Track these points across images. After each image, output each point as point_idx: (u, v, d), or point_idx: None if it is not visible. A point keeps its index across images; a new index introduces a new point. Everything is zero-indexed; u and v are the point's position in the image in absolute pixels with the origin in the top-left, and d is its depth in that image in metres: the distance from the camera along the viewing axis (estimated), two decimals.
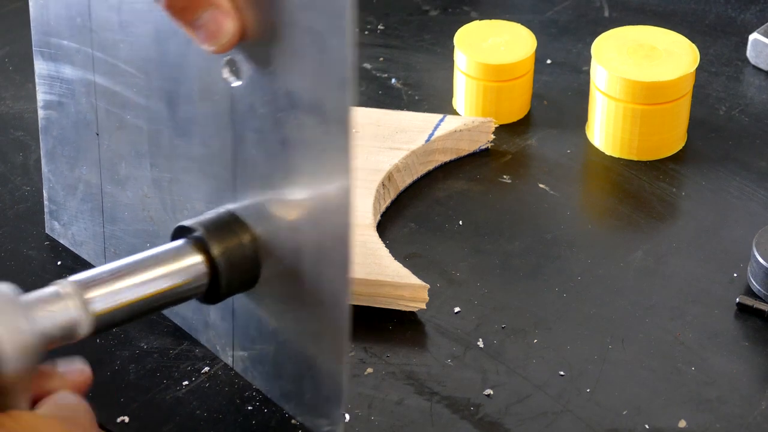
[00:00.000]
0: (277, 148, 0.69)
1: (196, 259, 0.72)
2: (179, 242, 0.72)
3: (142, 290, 0.70)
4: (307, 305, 0.71)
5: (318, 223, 0.69)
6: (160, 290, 0.71)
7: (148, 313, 0.71)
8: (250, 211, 0.73)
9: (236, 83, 0.70)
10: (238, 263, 0.72)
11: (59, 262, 0.87)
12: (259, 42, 0.68)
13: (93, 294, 0.68)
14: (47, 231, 0.89)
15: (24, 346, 0.63)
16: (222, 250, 0.72)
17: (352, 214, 0.67)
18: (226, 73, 0.71)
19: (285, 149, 0.69)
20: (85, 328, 0.67)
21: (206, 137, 0.74)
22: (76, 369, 0.68)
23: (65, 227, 0.87)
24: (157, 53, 0.74)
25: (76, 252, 0.87)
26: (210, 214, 0.73)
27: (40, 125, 0.86)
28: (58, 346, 0.67)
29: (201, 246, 0.72)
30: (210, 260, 0.72)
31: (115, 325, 0.70)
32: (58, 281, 0.68)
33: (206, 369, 0.79)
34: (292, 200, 0.70)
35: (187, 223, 0.73)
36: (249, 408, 0.77)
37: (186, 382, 0.79)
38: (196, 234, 0.72)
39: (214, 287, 0.72)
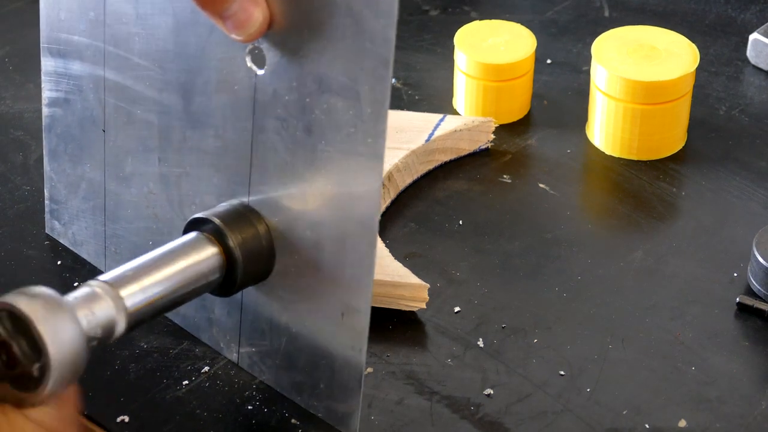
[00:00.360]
0: (301, 135, 0.70)
1: (213, 249, 0.72)
2: (195, 234, 0.73)
3: (169, 284, 0.70)
4: (325, 293, 0.71)
5: (343, 208, 0.69)
6: (184, 282, 0.71)
7: (173, 307, 0.71)
8: (265, 203, 0.73)
9: (260, 72, 0.71)
10: (255, 254, 0.72)
11: (59, 262, 0.87)
12: (288, 28, 0.68)
13: (126, 291, 0.68)
14: (47, 230, 0.89)
15: (73, 354, 0.63)
16: (239, 241, 0.72)
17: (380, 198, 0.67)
18: (249, 62, 0.71)
19: (310, 136, 0.69)
20: (122, 326, 0.67)
21: (222, 129, 0.74)
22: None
23: (66, 226, 0.87)
24: (174, 45, 0.75)
25: (76, 251, 0.87)
26: (224, 206, 0.74)
27: (44, 123, 0.86)
28: (98, 347, 0.67)
29: (218, 237, 0.72)
30: (226, 251, 0.72)
31: (145, 322, 0.70)
32: (88, 282, 0.68)
33: (206, 368, 0.79)
34: (315, 187, 0.70)
35: (202, 215, 0.73)
36: (249, 408, 0.77)
37: (186, 382, 0.79)
38: (213, 225, 0.72)
39: (229, 279, 0.72)
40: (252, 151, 0.73)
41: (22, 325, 0.63)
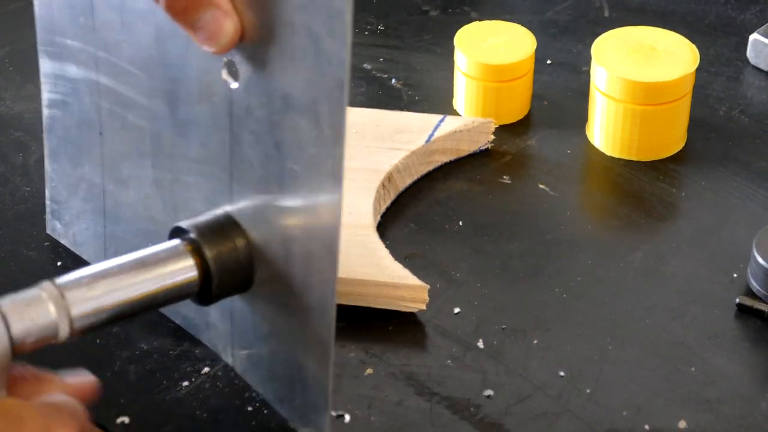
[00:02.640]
0: (272, 151, 0.69)
1: (186, 262, 0.72)
2: (170, 243, 0.72)
3: (125, 293, 0.70)
4: (297, 311, 0.71)
5: (308, 229, 0.69)
6: (144, 294, 0.71)
7: (132, 315, 0.71)
8: (245, 214, 0.73)
9: (234, 85, 0.70)
10: (231, 266, 0.72)
11: (59, 263, 0.87)
12: (258, 43, 0.68)
13: (74, 297, 0.68)
14: (48, 231, 0.89)
15: None
16: (215, 254, 0.72)
17: (341, 222, 0.66)
18: (225, 75, 0.71)
19: (279, 152, 0.69)
20: (65, 331, 0.68)
21: (205, 138, 0.74)
22: (80, 378, 0.69)
23: (66, 227, 0.87)
24: (158, 53, 0.74)
25: (77, 252, 0.87)
26: (206, 215, 0.73)
27: (44, 124, 0.86)
28: (39, 347, 0.67)
29: (193, 248, 0.72)
30: (202, 262, 0.72)
31: (98, 328, 0.69)
32: (41, 283, 0.68)
33: (206, 369, 0.79)
34: (285, 205, 0.70)
35: (182, 224, 0.73)
36: (249, 409, 0.77)
37: (186, 383, 0.79)
38: (190, 236, 0.72)
39: (205, 289, 0.72)
40: (231, 163, 0.73)
41: None
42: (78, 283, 0.69)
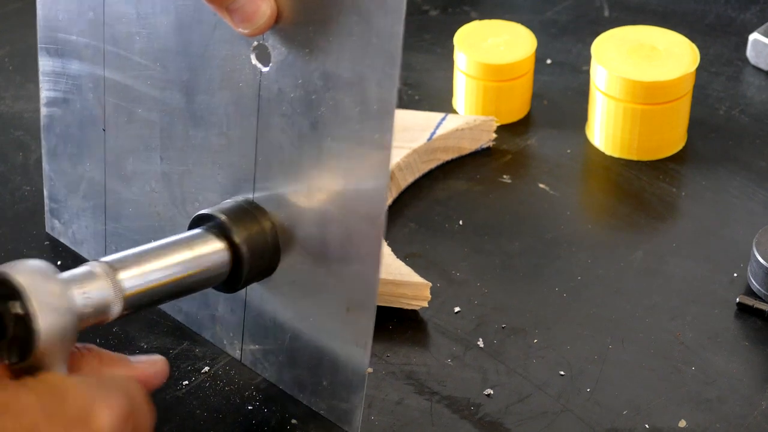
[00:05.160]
0: (306, 132, 0.70)
1: (219, 245, 0.72)
2: (202, 228, 0.73)
3: (170, 272, 0.70)
4: (330, 288, 0.71)
5: (350, 204, 0.69)
6: (186, 274, 0.71)
7: (173, 297, 0.71)
8: (270, 199, 0.73)
9: (265, 69, 0.71)
10: (260, 250, 0.73)
11: (59, 262, 0.87)
12: (294, 24, 0.68)
13: (124, 274, 0.68)
14: (47, 230, 0.89)
15: (59, 325, 0.63)
16: (244, 237, 0.72)
17: (388, 194, 0.67)
18: (254, 59, 0.71)
19: (315, 132, 0.69)
20: (117, 308, 0.67)
21: (226, 127, 0.74)
22: (147, 359, 0.69)
23: (66, 225, 0.87)
24: (176, 44, 0.75)
25: (76, 251, 0.87)
26: (229, 202, 0.74)
27: (42, 123, 0.86)
28: (90, 325, 0.67)
29: (224, 233, 0.72)
30: (232, 247, 0.72)
31: (143, 308, 0.70)
32: (89, 262, 0.68)
33: (206, 368, 0.79)
34: (321, 184, 0.70)
35: (207, 211, 0.73)
36: (249, 408, 0.77)
37: (186, 382, 0.79)
38: (218, 221, 0.72)
39: (235, 274, 0.73)
40: (256, 149, 0.73)
41: (14, 294, 0.63)
42: (126, 261, 0.69)
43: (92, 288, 0.66)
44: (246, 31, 0.68)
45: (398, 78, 0.65)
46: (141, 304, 0.69)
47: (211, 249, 0.72)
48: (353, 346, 0.72)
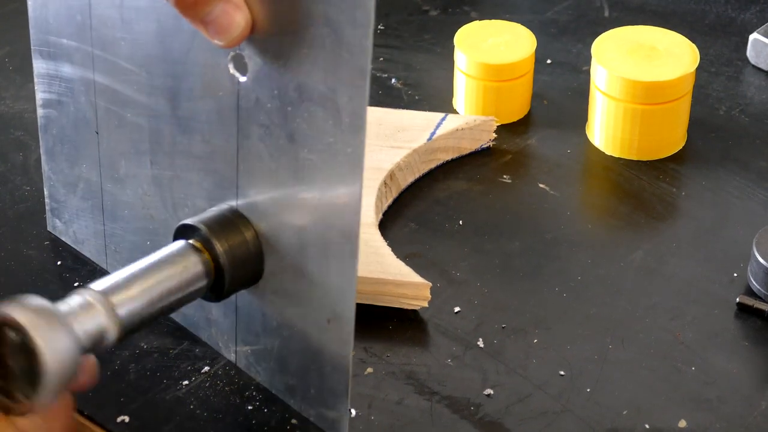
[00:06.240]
0: (284, 143, 0.70)
1: (200, 257, 0.72)
2: (182, 242, 0.73)
3: (158, 293, 0.70)
4: (312, 299, 0.71)
5: (324, 218, 0.69)
6: (173, 290, 0.71)
7: (163, 315, 0.71)
8: (253, 208, 0.73)
9: (242, 78, 0.71)
10: (242, 260, 0.73)
11: (59, 262, 0.87)
12: (269, 35, 0.68)
13: (117, 299, 0.68)
14: (49, 229, 0.89)
15: (68, 363, 0.63)
16: (225, 248, 0.72)
17: (361, 208, 0.67)
18: (232, 69, 0.71)
19: (293, 144, 0.69)
20: (113, 335, 0.67)
21: (208, 134, 0.74)
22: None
23: (66, 225, 0.87)
24: (159, 50, 0.74)
25: (78, 249, 0.87)
26: (212, 211, 0.74)
27: (39, 124, 0.86)
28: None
29: (205, 244, 0.72)
30: (214, 258, 0.72)
31: (135, 331, 0.70)
32: (79, 290, 0.68)
33: (206, 368, 0.79)
34: (299, 196, 0.70)
35: (189, 221, 0.73)
36: (249, 407, 0.77)
37: (186, 382, 0.79)
38: (200, 232, 0.72)
39: (218, 285, 0.73)
40: (238, 157, 0.73)
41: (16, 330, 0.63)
42: (115, 287, 0.69)
43: (88, 318, 0.66)
44: (221, 43, 0.68)
45: (368, 92, 0.64)
46: (133, 329, 0.69)
47: (193, 262, 0.72)
48: (336, 355, 0.72)
